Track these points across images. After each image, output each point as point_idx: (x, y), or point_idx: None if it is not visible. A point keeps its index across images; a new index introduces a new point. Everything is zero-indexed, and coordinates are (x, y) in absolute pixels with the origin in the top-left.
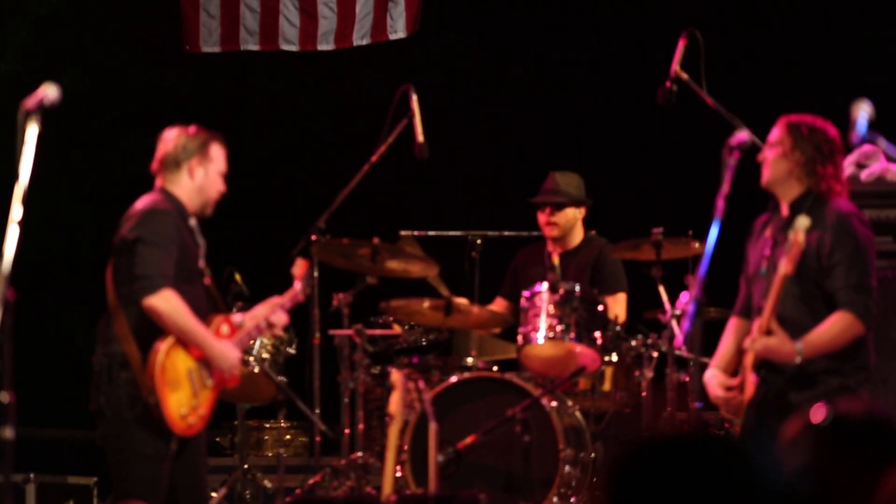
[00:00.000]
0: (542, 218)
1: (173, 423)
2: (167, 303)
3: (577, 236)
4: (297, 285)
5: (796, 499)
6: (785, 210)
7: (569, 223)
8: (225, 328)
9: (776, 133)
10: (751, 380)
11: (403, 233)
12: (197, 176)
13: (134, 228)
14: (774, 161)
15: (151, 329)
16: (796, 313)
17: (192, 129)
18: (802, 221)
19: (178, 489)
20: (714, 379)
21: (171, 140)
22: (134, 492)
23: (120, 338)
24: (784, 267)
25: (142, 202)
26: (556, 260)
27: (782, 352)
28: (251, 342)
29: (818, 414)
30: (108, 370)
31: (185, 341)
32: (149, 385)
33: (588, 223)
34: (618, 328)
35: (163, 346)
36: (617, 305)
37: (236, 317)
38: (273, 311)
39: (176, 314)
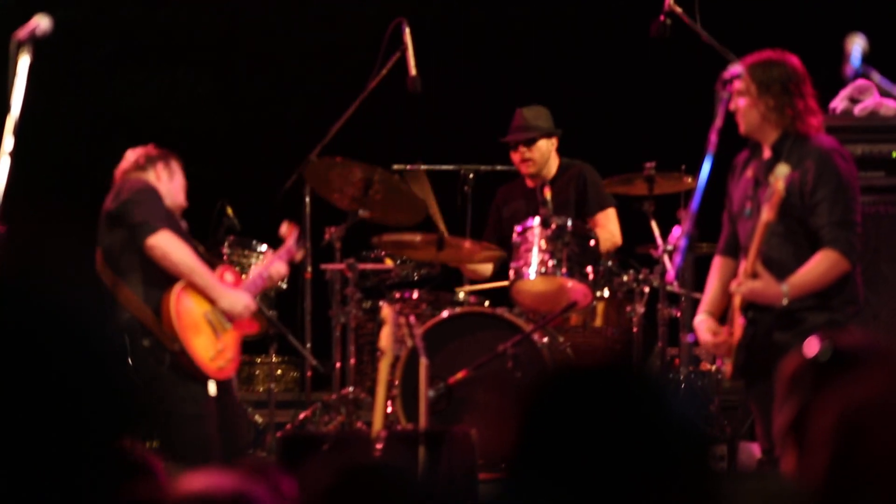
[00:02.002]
0: (515, 157)
1: (205, 367)
2: (167, 241)
3: (554, 166)
4: (290, 242)
5: (703, 440)
6: (767, 152)
7: (543, 156)
8: (228, 276)
9: (740, 80)
10: (739, 322)
11: (410, 167)
12: (163, 178)
13: (117, 197)
14: (746, 110)
15: (157, 288)
16: (781, 253)
17: (150, 146)
18: (782, 169)
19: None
20: (703, 324)
21: (133, 154)
22: (183, 455)
23: (130, 306)
24: (766, 214)
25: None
26: (548, 195)
27: (768, 294)
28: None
29: (812, 347)
30: (128, 341)
31: (190, 282)
32: (169, 333)
33: (581, 158)
34: (609, 263)
35: (173, 292)
36: (609, 222)
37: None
38: (272, 263)
39: (179, 250)
